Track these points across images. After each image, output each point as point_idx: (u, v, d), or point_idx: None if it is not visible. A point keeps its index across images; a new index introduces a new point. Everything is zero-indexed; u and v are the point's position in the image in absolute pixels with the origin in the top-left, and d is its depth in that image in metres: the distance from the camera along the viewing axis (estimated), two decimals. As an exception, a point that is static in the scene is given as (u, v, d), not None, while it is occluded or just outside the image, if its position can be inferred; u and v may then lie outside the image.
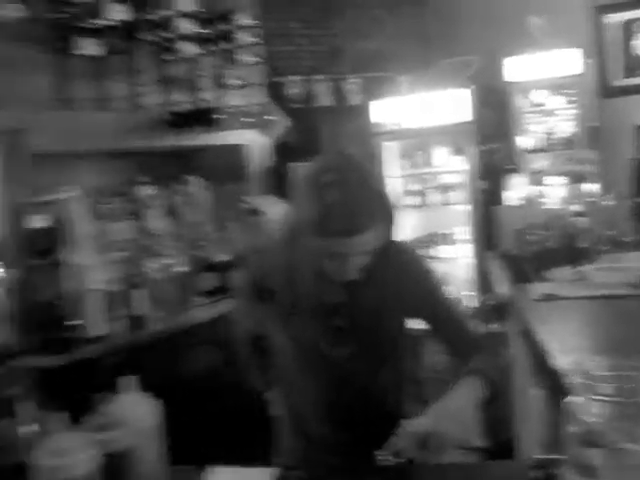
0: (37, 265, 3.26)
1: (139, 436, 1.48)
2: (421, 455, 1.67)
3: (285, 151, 4.48)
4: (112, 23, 3.63)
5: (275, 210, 4.22)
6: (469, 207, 5.00)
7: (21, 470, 1.48)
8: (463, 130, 4.94)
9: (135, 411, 1.50)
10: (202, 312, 3.87)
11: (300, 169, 4.47)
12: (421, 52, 5.41)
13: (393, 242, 1.86)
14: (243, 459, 1.88)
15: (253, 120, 4.26)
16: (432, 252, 5.11)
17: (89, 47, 3.58)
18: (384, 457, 1.73)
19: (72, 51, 3.54)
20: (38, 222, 3.29)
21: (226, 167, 4.29)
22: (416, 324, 1.98)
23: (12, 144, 3.23)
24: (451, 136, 5.11)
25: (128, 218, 3.84)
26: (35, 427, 1.64)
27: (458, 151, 5.13)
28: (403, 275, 1.92)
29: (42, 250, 3.28)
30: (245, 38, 4.34)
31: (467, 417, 1.74)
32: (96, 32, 3.60)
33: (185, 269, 3.94)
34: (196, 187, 4.18)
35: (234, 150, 4.25)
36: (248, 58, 4.43)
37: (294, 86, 4.94)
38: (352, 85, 5.31)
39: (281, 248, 1.97)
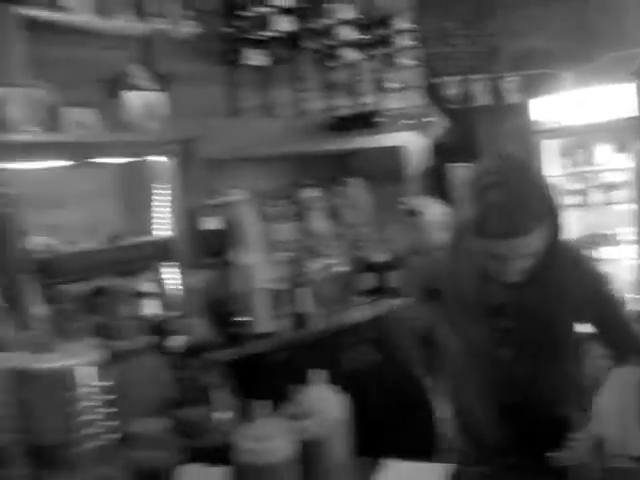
0: (210, 265, 3.46)
1: (329, 427, 1.57)
2: (593, 459, 1.66)
3: (443, 152, 4.49)
4: (277, 34, 3.80)
5: (433, 211, 4.22)
6: (634, 206, 4.81)
7: (221, 452, 1.61)
8: (627, 126, 4.76)
9: (326, 403, 1.60)
10: (361, 311, 3.95)
11: (459, 170, 4.47)
12: (582, 47, 5.24)
13: (558, 242, 1.83)
14: (406, 453, 1.93)
15: (412, 122, 4.30)
16: (594, 253, 4.96)
17: (256, 58, 3.77)
18: (557, 458, 1.73)
19: (241, 62, 3.73)
20: (211, 224, 3.49)
21: (385, 169, 4.35)
22: (581, 327, 1.95)
23: (188, 151, 3.44)
24: (614, 133, 4.94)
25: (292, 220, 3.99)
26: (229, 414, 1.77)
27: (622, 148, 4.95)
28: (569, 276, 1.89)
29: (215, 251, 3.48)
30: (403, 41, 4.41)
31: (636, 422, 1.71)
32: (263, 43, 3.78)
33: (345, 269, 4.03)
34: (356, 189, 4.27)
35: (393, 152, 4.31)
36: (406, 61, 4.49)
37: (452, 87, 4.95)
38: (510, 83, 5.24)
39: (446, 249, 2.01)
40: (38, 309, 2.39)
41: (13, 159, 2.70)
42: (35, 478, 1.49)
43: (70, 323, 2.52)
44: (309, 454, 1.53)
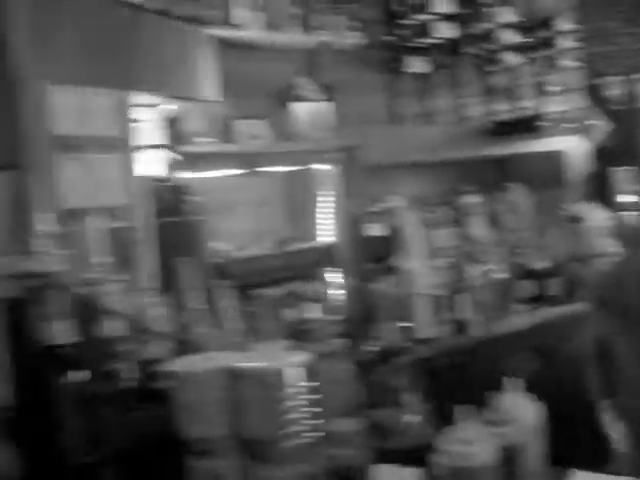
0: (373, 271, 3.52)
1: (527, 434, 1.57)
2: None
3: (606, 155, 4.35)
4: (438, 41, 3.82)
5: (595, 217, 4.11)
6: None
7: (412, 454, 1.65)
8: None
9: (522, 410, 1.60)
10: (520, 319, 3.88)
11: (623, 174, 4.32)
12: None
13: None
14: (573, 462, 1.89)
15: (573, 125, 4.20)
16: None
17: (417, 65, 3.81)
18: None
19: (402, 70, 3.78)
20: (374, 230, 3.55)
21: (546, 173, 4.27)
22: None
23: (351, 159, 3.53)
24: None
25: (452, 225, 3.98)
26: (419, 416, 1.81)
27: None
28: None
29: (378, 257, 3.53)
30: (565, 43, 4.30)
31: None
32: (423, 50, 3.81)
33: (505, 276, 3.98)
34: (516, 194, 4.21)
35: (554, 156, 4.22)
36: (568, 62, 4.38)
37: (614, 87, 4.78)
38: (676, 82, 5.00)
39: (612, 258, 1.97)
40: (232, 311, 2.52)
41: (192, 169, 2.86)
42: (244, 470, 1.58)
43: (262, 325, 2.65)
44: (507, 460, 1.54)
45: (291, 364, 1.54)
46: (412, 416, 1.86)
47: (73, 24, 2.21)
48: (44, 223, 1.86)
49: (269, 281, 3.15)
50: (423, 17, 3.78)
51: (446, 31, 3.82)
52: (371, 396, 1.84)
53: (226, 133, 3.16)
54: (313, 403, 1.57)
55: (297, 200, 3.67)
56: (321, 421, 1.60)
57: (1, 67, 2.03)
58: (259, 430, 1.53)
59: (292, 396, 1.52)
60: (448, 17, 3.83)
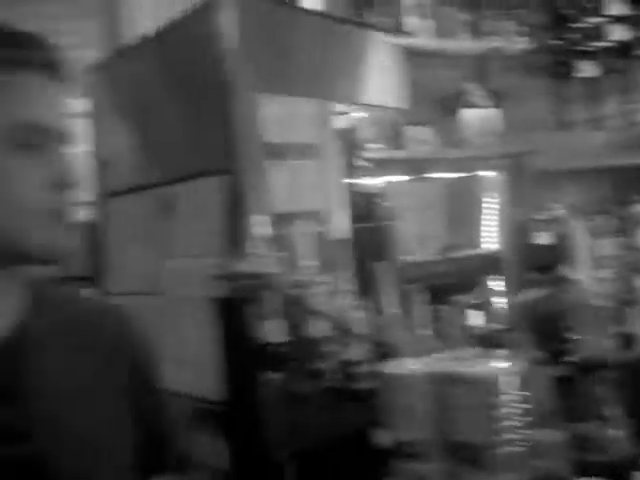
0: (538, 280, 3.45)
1: None
2: None
3: None
4: (609, 44, 3.71)
5: None
6: None
7: (615, 469, 1.62)
8: None
9: None
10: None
11: None
12: None
13: None
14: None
15: None
16: None
17: (587, 69, 3.71)
18: None
19: (570, 75, 3.69)
20: (540, 238, 3.48)
21: None
22: None
23: (517, 165, 3.48)
24: None
25: (618, 235, 3.85)
26: (622, 431, 1.77)
27: None
28: None
29: (544, 266, 3.46)
30: None
31: None
32: (593, 54, 3.71)
33: (674, 289, 3.81)
34: (689, 204, 4.02)
35: None
36: None
37: None
38: None
39: None
40: (424, 315, 2.56)
41: (373, 175, 2.90)
42: (450, 474, 1.59)
43: (449, 330, 2.67)
44: None
45: (504, 371, 1.55)
46: (615, 430, 1.82)
47: (276, 36, 2.31)
48: (258, 226, 1.96)
49: (442, 287, 3.15)
50: (594, 20, 3.68)
51: (619, 33, 3.70)
52: (574, 408, 1.81)
53: (395, 139, 3.19)
54: (523, 411, 1.57)
55: (462, 206, 3.66)
56: (529, 430, 1.59)
57: (217, 78, 2.15)
58: (471, 435, 1.54)
59: (505, 403, 1.53)
60: (621, 19, 3.71)
